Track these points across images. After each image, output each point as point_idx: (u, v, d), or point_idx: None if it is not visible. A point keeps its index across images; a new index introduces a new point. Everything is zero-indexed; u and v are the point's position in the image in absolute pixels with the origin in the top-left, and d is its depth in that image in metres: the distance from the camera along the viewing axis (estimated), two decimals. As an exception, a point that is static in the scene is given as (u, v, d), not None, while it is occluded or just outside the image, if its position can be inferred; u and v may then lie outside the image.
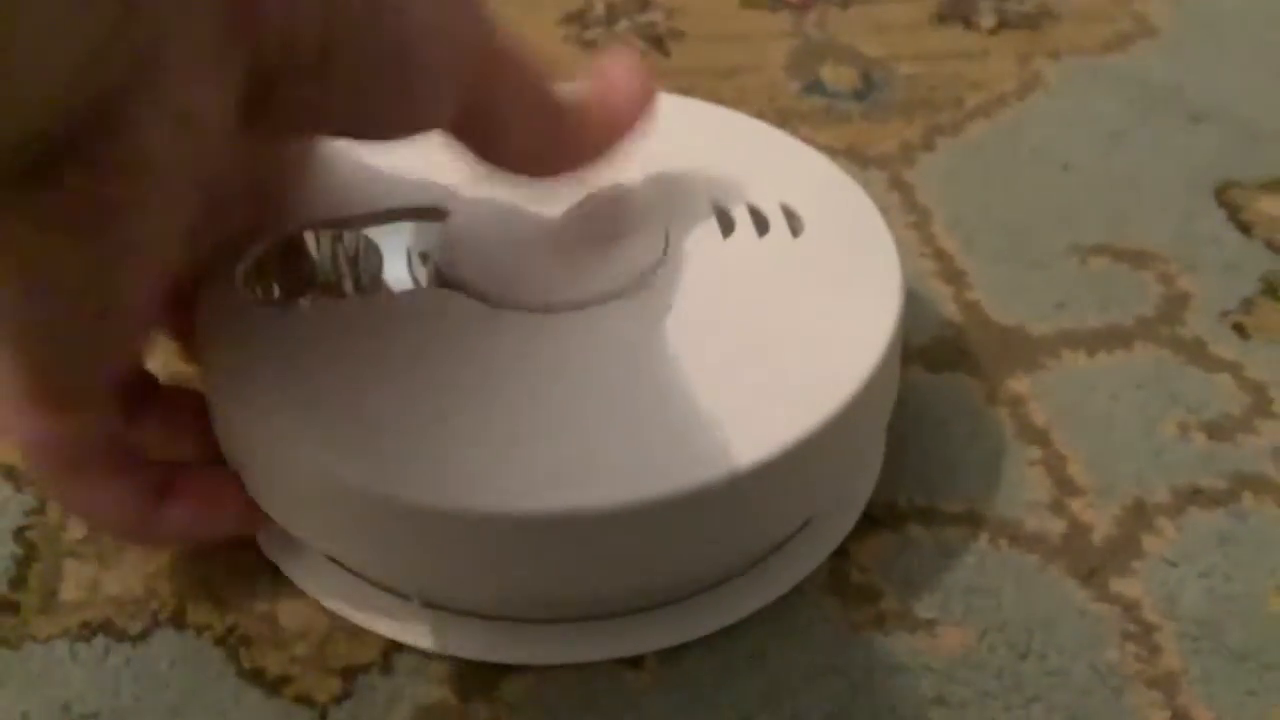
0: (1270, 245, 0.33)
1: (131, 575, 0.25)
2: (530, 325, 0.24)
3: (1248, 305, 0.31)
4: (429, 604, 0.24)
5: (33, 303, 0.19)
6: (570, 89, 0.24)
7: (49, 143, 0.16)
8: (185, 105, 0.17)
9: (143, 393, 0.24)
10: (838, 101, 0.40)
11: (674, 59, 0.43)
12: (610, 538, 0.21)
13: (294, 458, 0.22)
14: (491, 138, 0.23)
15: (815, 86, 0.41)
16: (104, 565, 0.25)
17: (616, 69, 0.25)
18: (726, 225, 0.27)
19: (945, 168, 0.36)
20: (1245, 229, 0.34)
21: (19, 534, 0.26)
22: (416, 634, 0.23)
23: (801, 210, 0.27)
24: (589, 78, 0.25)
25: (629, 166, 0.28)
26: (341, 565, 0.24)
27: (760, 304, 0.25)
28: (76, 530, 0.26)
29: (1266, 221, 0.34)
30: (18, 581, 0.25)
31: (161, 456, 0.25)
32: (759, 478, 0.21)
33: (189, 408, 0.24)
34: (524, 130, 0.23)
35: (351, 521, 0.22)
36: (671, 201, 0.27)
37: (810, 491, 0.24)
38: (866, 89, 0.40)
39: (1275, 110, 0.38)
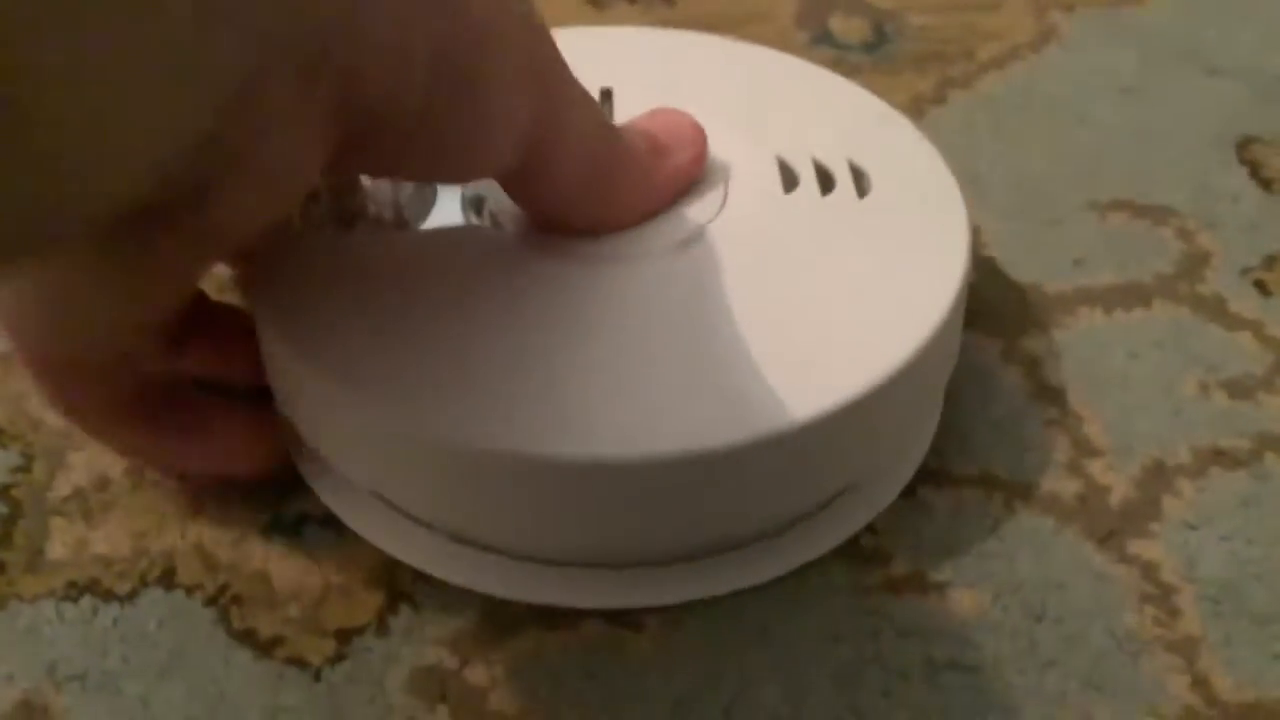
0: (1292, 202, 0.32)
1: (119, 534, 0.25)
2: (580, 274, 0.23)
3: (1269, 262, 0.30)
4: (459, 539, 0.23)
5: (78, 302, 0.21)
6: (629, 132, 0.24)
7: (141, 206, 0.16)
8: (277, 185, 0.19)
9: (193, 313, 0.24)
10: (847, 53, 0.39)
11: (678, 9, 0.42)
12: (657, 488, 0.21)
13: (338, 399, 0.21)
14: (541, 184, 0.23)
15: (824, 38, 0.40)
16: (91, 524, 0.25)
17: (670, 118, 0.25)
18: (789, 180, 0.26)
19: (958, 121, 0.35)
20: (1266, 185, 0.33)
21: (3, 492, 0.25)
22: (447, 568, 0.23)
23: (869, 168, 0.26)
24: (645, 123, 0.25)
25: (697, 113, 0.27)
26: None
27: (818, 265, 0.24)
28: (63, 487, 0.25)
29: (1288, 177, 0.33)
30: (3, 540, 0.24)
31: (210, 375, 0.25)
32: (812, 434, 0.21)
33: (239, 328, 0.24)
34: (575, 181, 0.23)
35: (395, 462, 0.22)
36: (734, 153, 0.26)
37: (861, 452, 0.23)
38: (877, 40, 0.39)
39: (1296, 64, 0.37)
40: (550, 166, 0.22)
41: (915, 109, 0.36)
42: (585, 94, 0.22)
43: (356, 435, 0.22)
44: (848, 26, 0.40)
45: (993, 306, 0.29)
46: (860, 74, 0.38)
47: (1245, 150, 0.34)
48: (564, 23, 0.41)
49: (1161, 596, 0.23)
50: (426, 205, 0.25)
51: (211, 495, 0.25)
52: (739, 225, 0.24)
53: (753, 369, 0.21)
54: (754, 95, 0.28)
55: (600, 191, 0.23)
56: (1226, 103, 0.36)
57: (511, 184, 0.22)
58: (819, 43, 0.39)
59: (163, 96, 0.15)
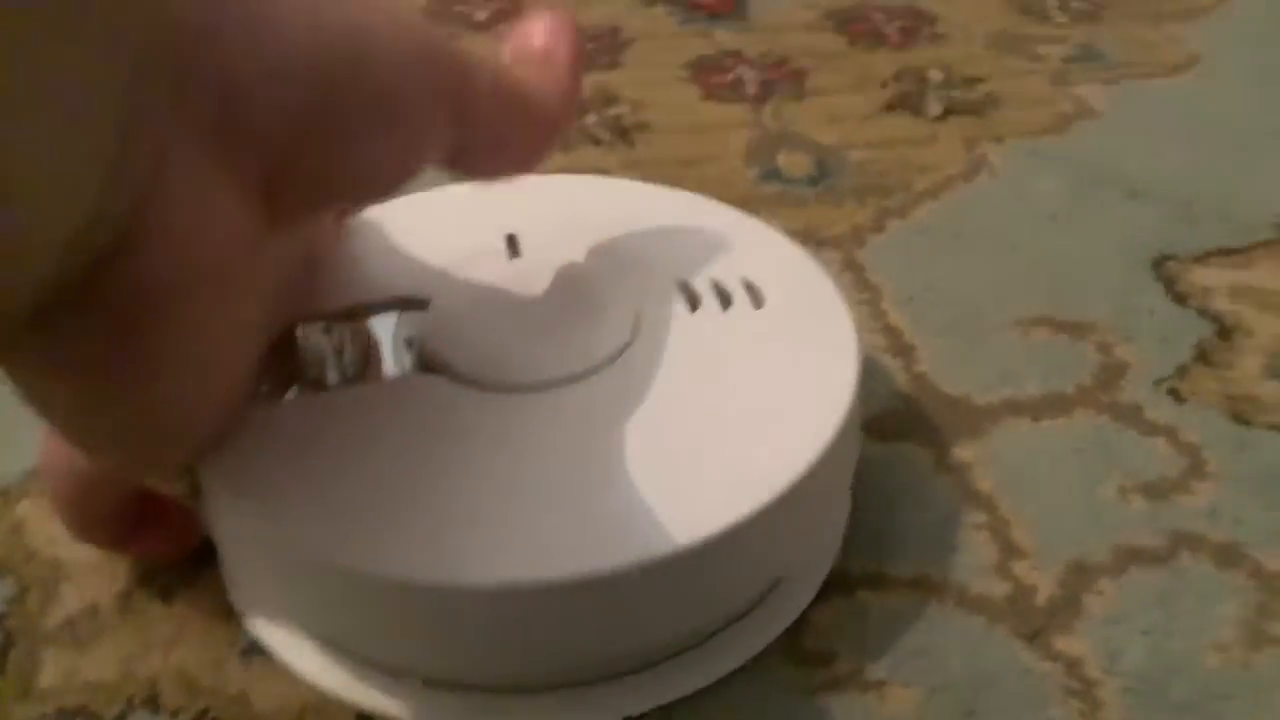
0: (1203, 314, 0.35)
1: (108, 660, 0.26)
2: (510, 405, 0.25)
3: (1182, 372, 0.33)
4: (405, 675, 0.25)
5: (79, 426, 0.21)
6: (505, 63, 0.25)
7: (55, 289, 0.16)
8: (192, 220, 0.18)
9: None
10: (793, 187, 0.42)
11: (639, 149, 0.45)
12: (574, 610, 0.22)
13: (279, 545, 0.23)
14: (488, 152, 0.24)
15: (772, 174, 0.43)
16: (81, 651, 0.26)
17: (541, 29, 0.26)
18: (692, 301, 0.28)
19: (895, 248, 0.38)
20: (1180, 299, 0.35)
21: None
22: (393, 705, 0.24)
23: (762, 285, 0.28)
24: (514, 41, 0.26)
25: (600, 249, 0.29)
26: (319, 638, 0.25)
27: (726, 376, 0.26)
28: (55, 616, 0.27)
29: (1199, 292, 0.36)
30: (-3, 669, 0.26)
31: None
32: (718, 549, 0.22)
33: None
34: (517, 135, 0.24)
35: (333, 599, 0.23)
36: (640, 281, 0.28)
37: (769, 560, 0.25)
38: (820, 175, 0.42)
39: (1208, 186, 0.40)
40: (476, 149, 0.23)
41: (856, 237, 0.39)
42: (485, 67, 0.23)
43: (290, 579, 0.24)
44: (793, 162, 0.43)
45: (927, 418, 0.31)
46: (805, 205, 0.41)
47: (1161, 268, 0.37)
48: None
49: (1085, 690, 0.25)
50: (361, 358, 0.27)
51: (194, 620, 0.27)
52: (651, 346, 0.27)
53: (664, 489, 0.23)
54: (651, 229, 0.30)
55: (531, 124, 0.25)
56: (1145, 224, 0.39)
57: (461, 166, 0.24)
58: (767, 178, 0.42)
59: (50, 147, 0.14)
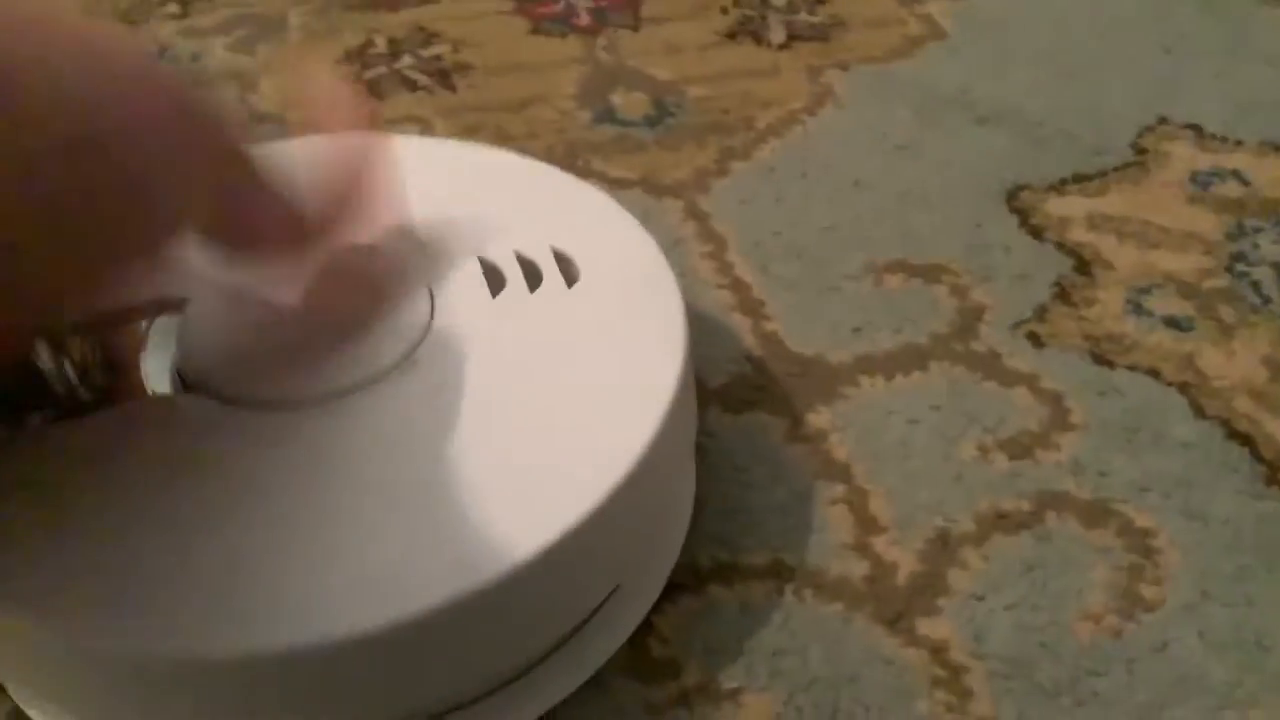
0: (1061, 248, 0.33)
1: None
2: (280, 426, 0.21)
3: (1041, 312, 0.31)
4: None
5: None
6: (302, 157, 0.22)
7: None
8: None
9: None
10: (630, 130, 0.38)
11: (461, 94, 0.41)
12: (363, 666, 0.19)
13: (27, 631, 0.19)
14: (242, 233, 0.21)
15: (607, 115, 0.39)
16: None
17: (341, 122, 0.23)
18: (495, 281, 0.25)
19: (739, 193, 0.35)
20: (1036, 233, 0.33)
21: None
22: None
23: (575, 256, 0.25)
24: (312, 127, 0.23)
25: (383, 223, 0.26)
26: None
27: (534, 371, 0.23)
28: None
29: (1056, 224, 0.34)
30: None
31: None
32: (531, 577, 0.19)
33: None
34: (272, 218, 0.21)
35: (93, 682, 0.20)
36: (433, 259, 0.25)
37: (598, 576, 0.22)
38: (659, 115, 0.39)
39: (1058, 110, 0.39)
40: (244, 218, 0.20)
41: (698, 183, 0.36)
42: (257, 171, 0.20)
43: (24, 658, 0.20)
44: (629, 102, 0.40)
45: (777, 384, 0.29)
46: (644, 150, 0.37)
47: (1015, 198, 0.35)
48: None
49: (952, 679, 0.23)
50: (109, 373, 0.23)
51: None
52: (447, 342, 0.23)
53: (470, 510, 0.20)
54: (449, 197, 0.27)
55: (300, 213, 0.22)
56: (995, 152, 0.37)
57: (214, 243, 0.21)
58: (602, 120, 0.39)
59: None
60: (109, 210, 0.18)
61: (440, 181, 0.27)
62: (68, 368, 0.23)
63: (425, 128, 0.39)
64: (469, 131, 0.39)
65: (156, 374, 0.23)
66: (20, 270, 0.17)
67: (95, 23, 0.18)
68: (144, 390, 0.23)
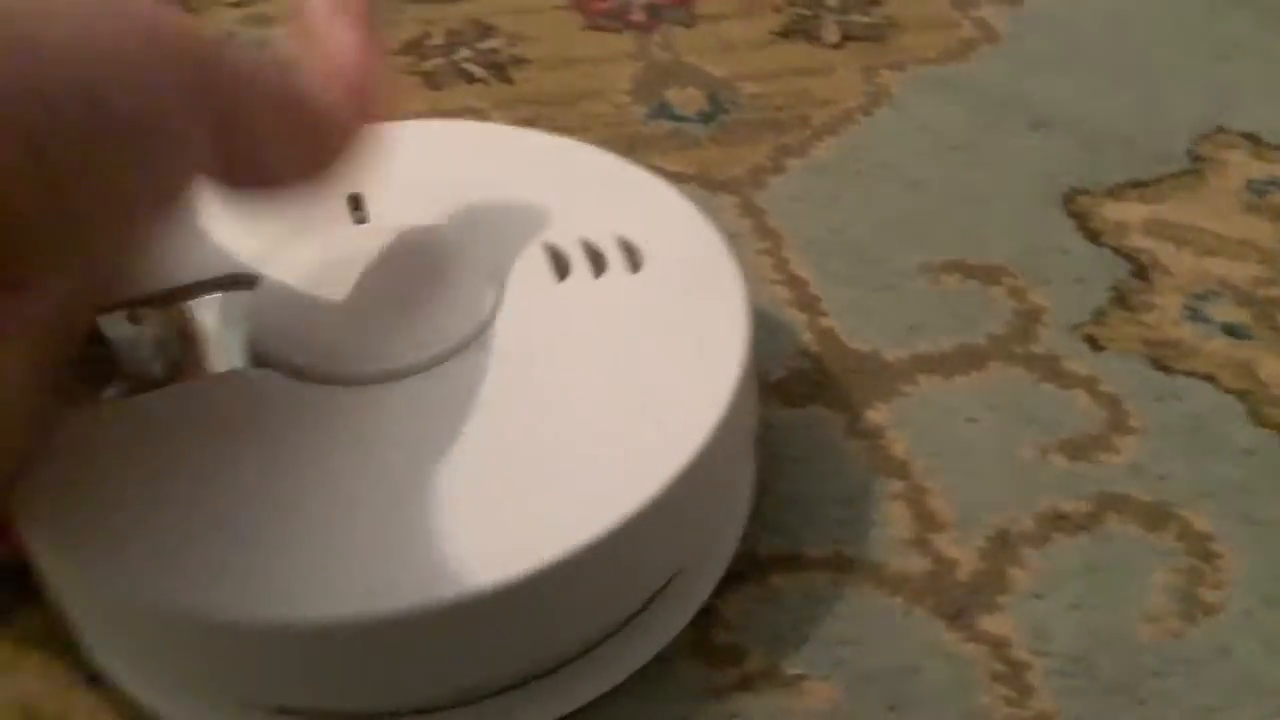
0: (1118, 252, 0.33)
1: (-76, 697, 0.23)
2: (349, 402, 0.22)
3: (1099, 316, 0.31)
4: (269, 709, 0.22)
5: None
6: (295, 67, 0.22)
7: None
8: None
9: None
10: (685, 125, 0.39)
11: (517, 87, 0.41)
12: (435, 638, 0.19)
13: (98, 590, 0.20)
14: (261, 166, 0.20)
15: (662, 110, 0.40)
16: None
17: (335, 40, 0.23)
18: (561, 266, 0.25)
19: (795, 190, 0.36)
20: (1093, 238, 0.34)
21: None
22: None
23: (641, 244, 0.25)
24: (304, 45, 0.23)
25: (454, 207, 0.26)
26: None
27: (600, 355, 0.23)
28: None
29: (1114, 229, 0.34)
30: None
31: None
32: (598, 555, 0.20)
33: None
34: (287, 142, 0.20)
35: (166, 642, 0.20)
36: (500, 245, 0.25)
37: (662, 559, 0.22)
38: (713, 111, 0.39)
39: (1114, 116, 0.39)
40: (248, 163, 0.20)
41: (754, 179, 0.36)
42: (251, 70, 0.20)
43: (104, 612, 0.21)
44: (684, 98, 0.40)
45: (835, 380, 0.29)
46: (698, 146, 0.38)
47: (1072, 202, 0.35)
48: (402, 104, 0.40)
49: (1013, 675, 0.23)
50: (181, 347, 0.23)
51: (33, 643, 0.23)
52: (516, 324, 0.23)
53: (538, 488, 0.20)
54: (515, 182, 0.27)
55: (313, 133, 0.21)
56: (1052, 156, 0.37)
57: (231, 181, 0.20)
58: (656, 115, 0.39)
59: None
60: (106, 160, 0.17)
61: (504, 166, 0.28)
62: (142, 342, 0.23)
63: (482, 119, 0.39)
64: (525, 124, 0.39)
65: (229, 349, 0.24)
66: (34, 240, 0.17)
67: None
68: (216, 365, 0.23)
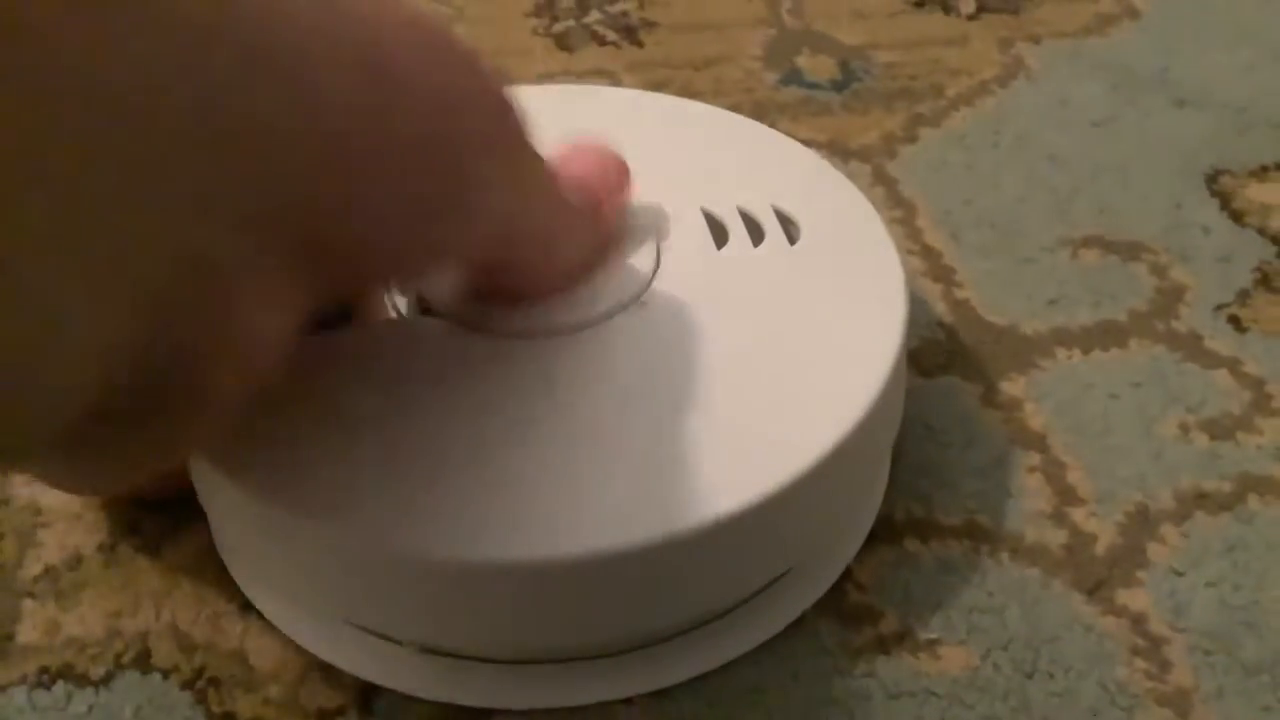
0: (1263, 233, 0.32)
1: (92, 615, 0.24)
2: (518, 353, 0.22)
3: (1243, 297, 0.30)
4: (414, 646, 0.23)
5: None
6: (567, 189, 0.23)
7: (99, 401, 0.15)
8: (257, 333, 0.17)
9: None
10: (816, 92, 0.39)
11: (647, 50, 0.42)
12: (608, 584, 0.20)
13: (278, 525, 0.21)
14: (535, 248, 0.22)
15: (793, 76, 0.40)
16: (63, 606, 0.24)
17: (592, 160, 0.24)
18: (719, 234, 0.25)
19: (929, 159, 0.35)
20: (1237, 217, 0.33)
21: (-29, 575, 0.25)
22: (400, 678, 0.22)
23: (796, 215, 0.26)
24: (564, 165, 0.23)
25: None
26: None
27: (759, 322, 0.23)
28: (34, 566, 0.25)
29: (1259, 210, 0.33)
30: (-29, 626, 0.24)
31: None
32: (766, 511, 0.20)
33: None
34: (566, 236, 0.22)
35: (344, 580, 0.21)
36: (661, 210, 0.26)
37: (821, 518, 0.23)
38: (845, 79, 0.39)
39: (1261, 94, 0.38)
40: (514, 248, 0.21)
41: (887, 148, 0.36)
42: (543, 164, 0.21)
43: (285, 553, 0.21)
44: (816, 65, 0.40)
45: (971, 350, 0.29)
46: (830, 113, 0.38)
47: (1215, 182, 0.34)
48: (535, 66, 0.41)
49: (1152, 649, 0.23)
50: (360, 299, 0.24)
51: (185, 572, 0.25)
52: (675, 287, 0.24)
53: (698, 449, 0.21)
54: (669, 148, 0.27)
55: (551, 259, 0.23)
56: (1195, 134, 0.36)
57: (501, 271, 0.22)
58: (788, 82, 0.39)
59: (86, 299, 0.14)
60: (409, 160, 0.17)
61: (659, 134, 0.28)
62: None
63: (614, 81, 0.40)
64: (657, 86, 0.39)
65: (399, 297, 0.24)
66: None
67: None
68: (386, 311, 0.24)
